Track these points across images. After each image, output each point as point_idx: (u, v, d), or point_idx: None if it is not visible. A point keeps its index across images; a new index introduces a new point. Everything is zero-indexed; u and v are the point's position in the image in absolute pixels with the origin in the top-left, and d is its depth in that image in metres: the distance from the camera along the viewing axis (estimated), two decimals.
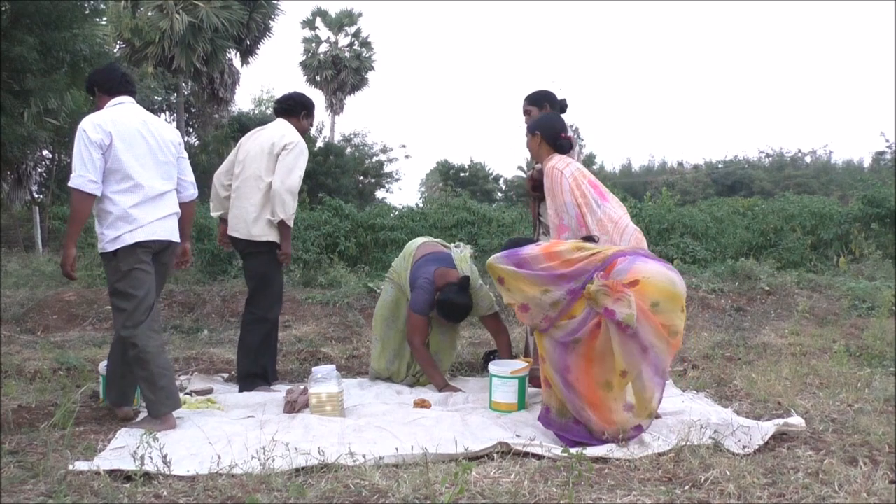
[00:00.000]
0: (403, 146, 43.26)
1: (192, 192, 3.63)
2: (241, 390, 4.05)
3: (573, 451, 2.57)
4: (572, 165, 3.59)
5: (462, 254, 4.22)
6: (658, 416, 3.16)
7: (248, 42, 22.23)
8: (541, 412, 3.17)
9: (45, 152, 16.50)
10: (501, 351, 4.30)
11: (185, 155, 3.62)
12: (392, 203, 20.49)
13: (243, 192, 4.07)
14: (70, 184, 3.19)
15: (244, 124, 21.77)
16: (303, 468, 2.64)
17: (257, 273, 4.11)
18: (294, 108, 4.28)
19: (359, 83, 31.51)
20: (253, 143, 4.14)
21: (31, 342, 5.56)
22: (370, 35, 31.89)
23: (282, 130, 4.12)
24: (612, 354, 2.90)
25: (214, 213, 4.35)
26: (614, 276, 2.95)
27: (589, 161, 39.66)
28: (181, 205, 3.55)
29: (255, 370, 4.10)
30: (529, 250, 3.15)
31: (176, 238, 3.46)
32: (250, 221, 4.01)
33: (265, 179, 4.00)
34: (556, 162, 3.58)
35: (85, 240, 8.79)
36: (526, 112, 4.22)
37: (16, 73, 8.84)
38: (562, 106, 4.13)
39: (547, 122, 3.76)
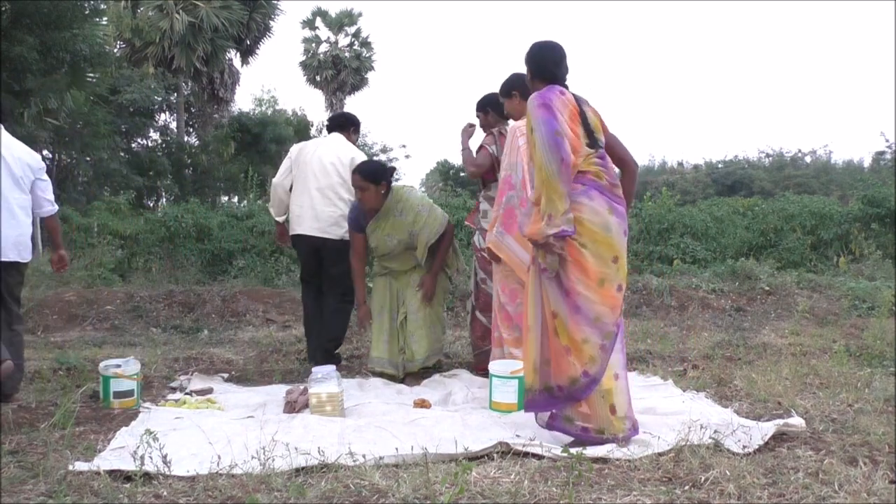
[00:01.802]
0: (403, 146, 43.17)
1: (49, 208, 4.04)
2: (326, 362, 4.27)
3: (573, 451, 2.57)
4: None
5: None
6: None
7: (248, 42, 22.21)
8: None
9: (45, 152, 16.47)
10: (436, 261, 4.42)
11: (46, 178, 4.02)
12: None
13: (329, 199, 4.55)
14: None
15: (244, 124, 21.75)
16: (303, 468, 2.64)
17: (346, 263, 4.53)
18: (345, 124, 4.86)
19: (359, 83, 31.48)
20: (325, 153, 4.61)
21: (31, 342, 5.56)
22: (370, 35, 31.83)
23: (353, 147, 4.75)
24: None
25: (280, 218, 4.81)
26: None
27: None
28: (45, 219, 4.09)
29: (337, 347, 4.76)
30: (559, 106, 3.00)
31: (20, 258, 3.85)
32: (342, 225, 4.52)
33: (350, 190, 4.49)
34: (522, 126, 3.75)
35: (85, 240, 8.81)
36: (479, 117, 4.48)
37: (16, 73, 8.84)
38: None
39: (521, 81, 3.81)
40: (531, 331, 3.06)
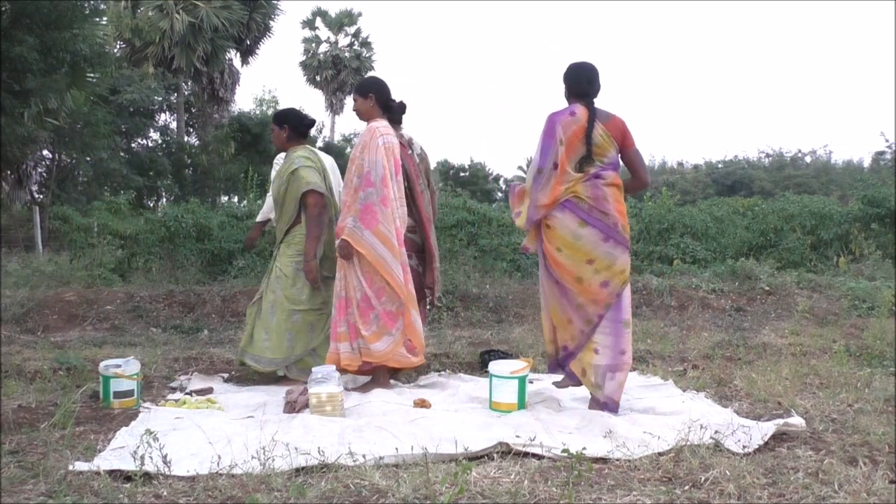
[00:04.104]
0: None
1: None
2: None
3: (573, 451, 2.57)
4: (388, 138, 4.02)
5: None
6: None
7: (248, 42, 22.22)
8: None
9: (45, 152, 16.49)
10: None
11: None
12: None
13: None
14: None
15: (244, 124, 21.73)
16: (303, 468, 2.64)
17: None
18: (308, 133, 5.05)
19: None
20: (327, 163, 4.81)
21: (31, 342, 5.56)
22: (370, 35, 31.93)
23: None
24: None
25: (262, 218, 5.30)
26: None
27: None
28: None
29: None
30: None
31: None
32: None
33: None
34: (380, 126, 4.03)
35: (85, 240, 8.80)
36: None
37: (16, 73, 8.83)
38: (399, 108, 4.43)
39: (377, 84, 4.19)
40: (542, 311, 3.76)
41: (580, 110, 3.51)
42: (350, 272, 3.96)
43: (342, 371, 3.92)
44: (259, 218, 5.32)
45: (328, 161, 4.86)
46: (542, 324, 3.79)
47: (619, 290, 3.49)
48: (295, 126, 4.45)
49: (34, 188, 17.53)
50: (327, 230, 4.34)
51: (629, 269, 3.55)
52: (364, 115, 4.16)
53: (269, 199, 4.97)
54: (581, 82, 3.60)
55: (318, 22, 31.39)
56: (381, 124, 4.06)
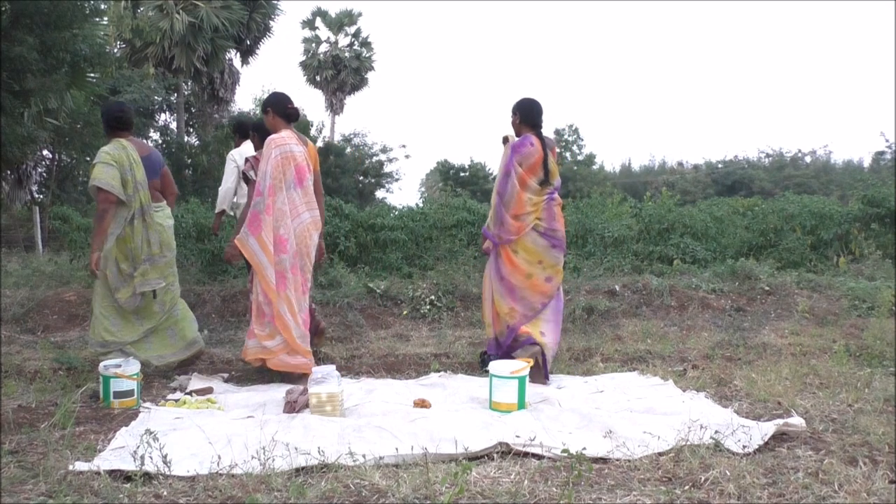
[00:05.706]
0: (403, 146, 43.17)
1: None
2: None
3: (573, 451, 2.57)
4: (286, 147, 4.23)
5: None
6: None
7: (248, 42, 22.20)
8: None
9: (45, 152, 16.48)
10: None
11: None
12: (392, 203, 20.45)
13: None
14: None
15: (244, 124, 21.72)
16: (303, 468, 2.65)
17: None
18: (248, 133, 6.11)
19: (359, 83, 31.49)
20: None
21: (31, 342, 5.56)
22: (370, 35, 31.90)
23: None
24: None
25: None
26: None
27: (589, 161, 39.64)
28: None
29: None
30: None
31: None
32: None
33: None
34: (277, 138, 4.26)
35: (85, 240, 8.80)
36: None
37: (16, 73, 8.82)
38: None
39: (274, 98, 4.42)
40: (484, 301, 4.54)
41: (535, 141, 4.25)
42: (256, 279, 4.23)
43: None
44: (217, 209, 6.10)
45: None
46: (483, 313, 4.59)
47: (559, 284, 4.46)
48: (106, 121, 4.49)
49: (34, 188, 17.52)
50: (134, 225, 4.32)
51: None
52: (272, 130, 4.39)
53: (221, 191, 5.92)
54: (533, 115, 4.35)
55: (318, 22, 31.37)
56: (279, 136, 4.28)
